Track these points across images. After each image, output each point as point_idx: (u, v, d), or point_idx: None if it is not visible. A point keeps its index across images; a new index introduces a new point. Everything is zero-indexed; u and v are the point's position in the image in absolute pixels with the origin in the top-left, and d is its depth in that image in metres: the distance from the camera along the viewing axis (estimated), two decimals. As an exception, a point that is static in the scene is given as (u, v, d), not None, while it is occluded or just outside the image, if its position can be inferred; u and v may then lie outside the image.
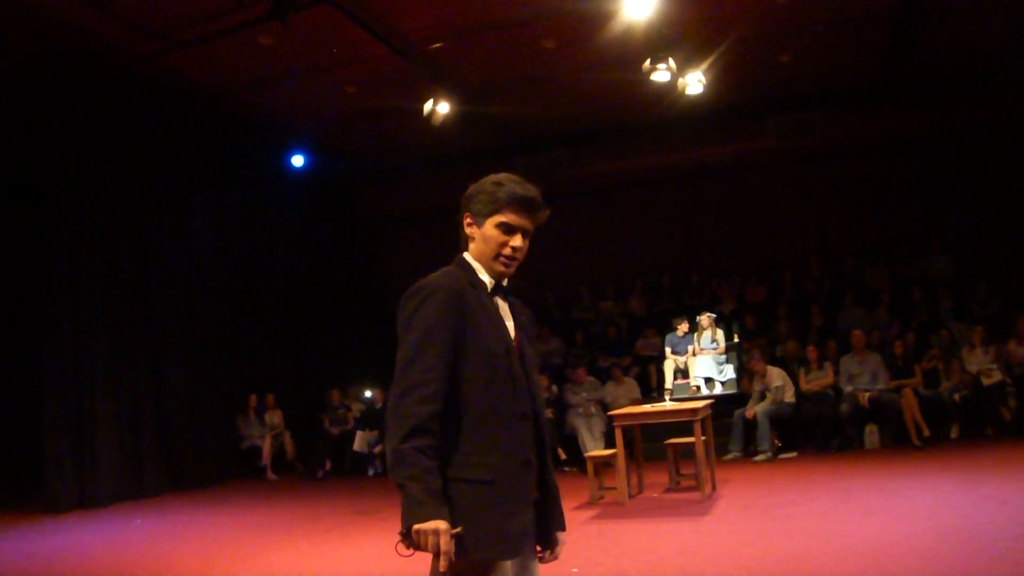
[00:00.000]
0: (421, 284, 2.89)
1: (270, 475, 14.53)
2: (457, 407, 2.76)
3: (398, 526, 2.63)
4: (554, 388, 13.56)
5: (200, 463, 14.08)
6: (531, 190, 3.00)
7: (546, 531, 3.02)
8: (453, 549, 2.58)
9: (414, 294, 2.87)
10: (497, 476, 2.74)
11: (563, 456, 12.82)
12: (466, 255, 3.01)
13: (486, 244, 2.96)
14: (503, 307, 2.99)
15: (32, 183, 13.06)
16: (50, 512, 11.78)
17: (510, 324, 2.97)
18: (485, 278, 2.97)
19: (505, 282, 3.03)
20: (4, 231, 13.21)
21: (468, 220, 3.00)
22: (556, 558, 3.09)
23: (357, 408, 15.32)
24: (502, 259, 2.94)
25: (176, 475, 13.74)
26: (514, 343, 2.93)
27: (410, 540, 2.59)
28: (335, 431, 14.77)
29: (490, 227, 2.95)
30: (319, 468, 14.36)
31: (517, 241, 2.94)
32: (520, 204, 2.95)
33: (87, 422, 12.55)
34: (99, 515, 11.70)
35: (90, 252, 12.91)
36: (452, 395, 2.76)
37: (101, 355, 12.88)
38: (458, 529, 2.61)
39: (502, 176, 3.02)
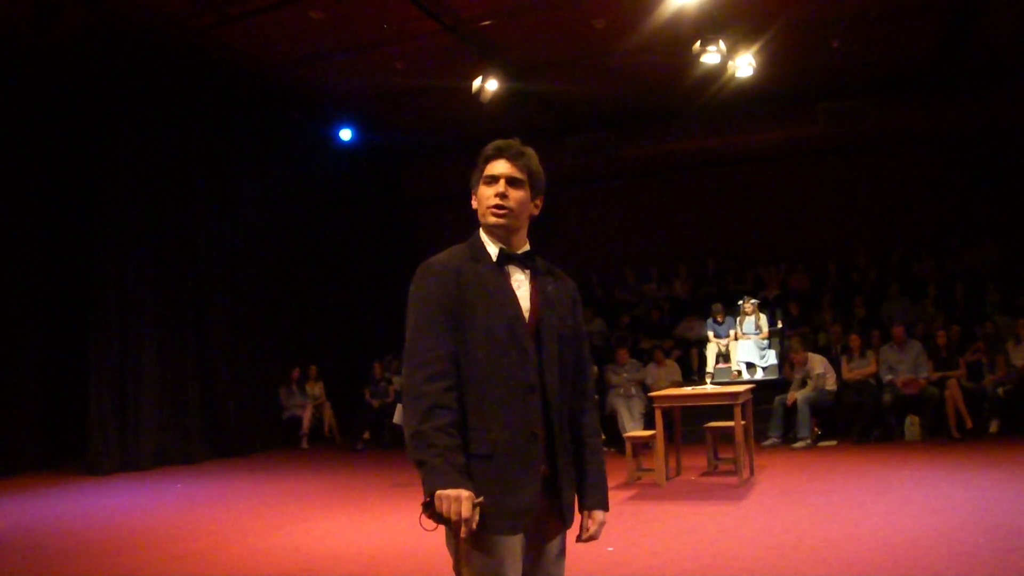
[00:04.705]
0: (423, 263, 2.90)
1: (303, 445, 14.76)
2: (461, 383, 2.74)
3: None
4: (595, 368, 13.54)
5: (242, 431, 14.26)
6: (510, 140, 2.97)
7: (571, 508, 2.95)
8: (475, 518, 2.55)
9: (416, 274, 2.88)
10: (496, 450, 2.71)
11: (602, 436, 12.80)
12: (479, 230, 2.98)
13: (480, 205, 2.95)
14: (518, 277, 2.92)
15: (83, 152, 13.19)
16: (92, 474, 11.98)
17: (524, 293, 2.90)
18: (492, 249, 2.92)
19: (523, 248, 2.97)
20: (54, 199, 13.34)
21: (473, 196, 2.99)
22: (594, 538, 3.04)
23: (398, 381, 15.40)
24: (491, 211, 2.90)
25: (218, 442, 13.91)
26: (528, 313, 2.87)
27: (432, 510, 2.57)
28: (375, 403, 14.87)
29: (480, 188, 2.95)
30: (358, 440, 14.49)
31: (500, 187, 2.88)
32: (498, 152, 2.93)
33: (131, 387, 12.77)
34: (140, 478, 11.89)
35: (138, 222, 13.08)
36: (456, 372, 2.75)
37: (147, 322, 13.08)
38: (480, 499, 2.57)
39: None
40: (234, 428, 14.18)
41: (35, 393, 12.85)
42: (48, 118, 13.03)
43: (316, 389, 15.36)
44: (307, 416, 14.92)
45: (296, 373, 15.27)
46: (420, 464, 2.61)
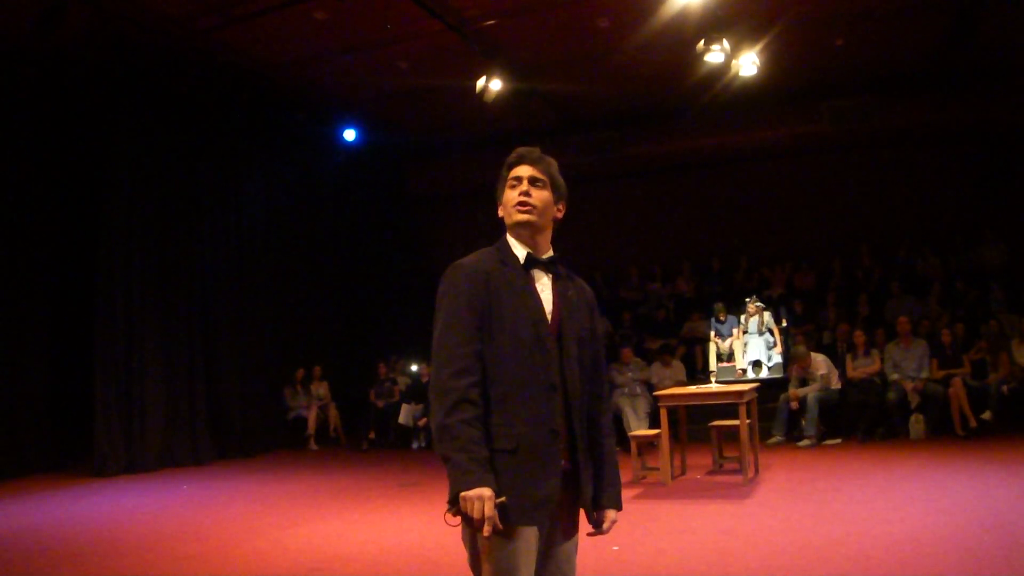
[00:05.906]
0: (454, 264, 3.02)
1: (312, 446, 14.76)
2: (485, 381, 2.86)
3: (441, 499, 2.73)
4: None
5: (247, 432, 14.28)
6: (531, 148, 3.13)
7: (591, 505, 3.08)
8: (497, 516, 2.67)
9: (446, 274, 3.00)
10: (519, 445, 2.82)
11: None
12: (506, 234, 3.11)
13: (507, 208, 3.10)
14: (542, 281, 3.06)
15: (87, 153, 13.21)
16: (98, 476, 11.97)
17: (547, 297, 3.03)
18: (520, 252, 3.05)
19: (548, 254, 3.10)
20: (59, 201, 13.35)
21: (499, 205, 3.14)
22: (603, 533, 3.16)
23: (403, 381, 15.43)
24: (516, 208, 3.04)
25: (223, 444, 13.91)
26: (551, 316, 3.00)
27: (457, 508, 2.69)
28: (380, 404, 14.88)
29: (506, 192, 3.10)
30: (363, 440, 14.51)
31: (524, 186, 3.04)
32: (519, 158, 3.10)
33: (137, 389, 12.76)
34: (146, 480, 11.89)
35: (143, 223, 13.07)
36: (482, 370, 2.87)
37: (152, 324, 13.08)
38: (502, 499, 2.69)
39: None
40: (239, 429, 14.19)
41: (41, 395, 12.88)
42: (52, 120, 13.04)
43: (321, 389, 15.37)
44: (312, 417, 14.92)
45: (301, 373, 15.29)
46: (445, 460, 2.74)
